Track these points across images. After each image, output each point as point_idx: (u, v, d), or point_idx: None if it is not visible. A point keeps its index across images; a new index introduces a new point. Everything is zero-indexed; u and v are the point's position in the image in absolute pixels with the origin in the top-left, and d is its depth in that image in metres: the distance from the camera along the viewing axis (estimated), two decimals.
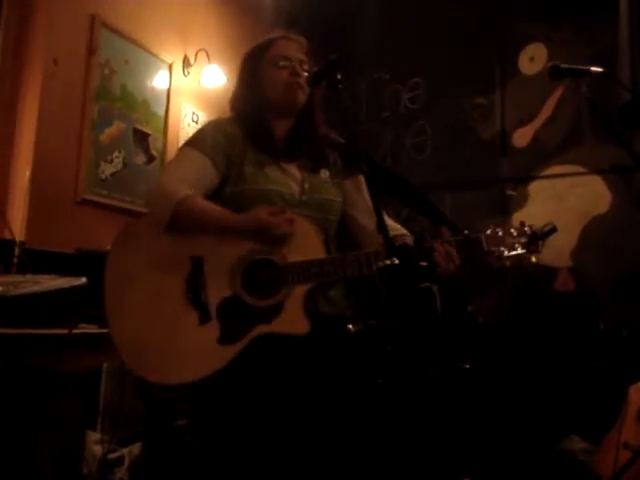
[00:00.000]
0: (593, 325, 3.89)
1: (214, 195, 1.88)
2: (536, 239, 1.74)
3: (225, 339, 1.73)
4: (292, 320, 1.73)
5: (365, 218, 2.01)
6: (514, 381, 3.52)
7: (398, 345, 3.37)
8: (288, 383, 1.77)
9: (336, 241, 2.00)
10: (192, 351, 1.74)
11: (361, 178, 2.00)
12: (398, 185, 2.06)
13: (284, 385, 1.77)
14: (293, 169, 1.95)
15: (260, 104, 1.96)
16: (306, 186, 1.93)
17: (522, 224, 1.77)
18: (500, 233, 1.76)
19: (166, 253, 1.81)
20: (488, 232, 1.77)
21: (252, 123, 1.95)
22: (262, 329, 1.73)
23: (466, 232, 1.79)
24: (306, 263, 1.75)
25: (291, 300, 1.74)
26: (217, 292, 1.76)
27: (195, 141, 1.92)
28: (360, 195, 2.02)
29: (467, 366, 3.55)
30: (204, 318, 1.76)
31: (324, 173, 2.00)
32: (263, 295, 1.75)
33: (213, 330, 1.74)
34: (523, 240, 1.75)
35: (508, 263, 1.77)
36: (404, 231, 2.00)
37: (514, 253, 1.75)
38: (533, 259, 1.76)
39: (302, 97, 1.95)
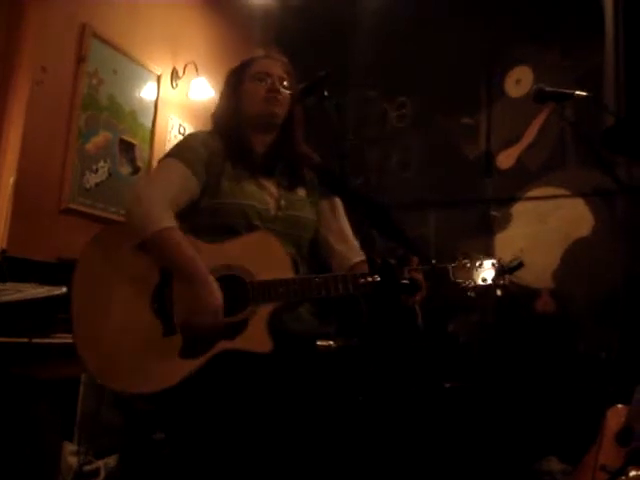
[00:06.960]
0: (572, 347, 3.91)
1: (191, 206, 1.88)
2: (502, 273, 1.79)
3: (187, 353, 1.73)
4: (255, 338, 1.73)
5: (337, 241, 2.06)
6: (493, 401, 3.52)
7: (379, 363, 3.37)
8: (255, 400, 1.76)
9: (309, 259, 2.02)
10: (155, 362, 1.74)
11: (337, 201, 2.07)
12: (365, 207, 2.10)
13: (251, 402, 1.75)
14: (270, 185, 1.97)
15: (240, 119, 1.98)
16: (282, 203, 1.95)
17: (489, 257, 1.82)
18: (468, 265, 1.80)
19: (137, 263, 1.81)
20: (455, 263, 1.81)
21: (232, 137, 1.97)
22: (225, 345, 1.73)
23: (434, 262, 1.82)
24: (273, 282, 1.76)
25: (256, 318, 1.75)
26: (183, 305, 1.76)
27: (177, 152, 1.92)
28: (334, 217, 2.07)
29: (447, 385, 3.55)
30: (168, 330, 1.75)
31: (300, 191, 2.03)
32: (229, 311, 1.75)
33: (176, 343, 1.74)
34: (490, 274, 1.79)
35: (473, 295, 1.81)
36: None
37: (480, 285, 1.79)
38: (499, 292, 1.80)
39: (279, 111, 1.97)
